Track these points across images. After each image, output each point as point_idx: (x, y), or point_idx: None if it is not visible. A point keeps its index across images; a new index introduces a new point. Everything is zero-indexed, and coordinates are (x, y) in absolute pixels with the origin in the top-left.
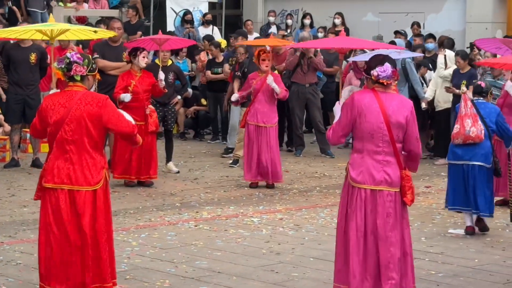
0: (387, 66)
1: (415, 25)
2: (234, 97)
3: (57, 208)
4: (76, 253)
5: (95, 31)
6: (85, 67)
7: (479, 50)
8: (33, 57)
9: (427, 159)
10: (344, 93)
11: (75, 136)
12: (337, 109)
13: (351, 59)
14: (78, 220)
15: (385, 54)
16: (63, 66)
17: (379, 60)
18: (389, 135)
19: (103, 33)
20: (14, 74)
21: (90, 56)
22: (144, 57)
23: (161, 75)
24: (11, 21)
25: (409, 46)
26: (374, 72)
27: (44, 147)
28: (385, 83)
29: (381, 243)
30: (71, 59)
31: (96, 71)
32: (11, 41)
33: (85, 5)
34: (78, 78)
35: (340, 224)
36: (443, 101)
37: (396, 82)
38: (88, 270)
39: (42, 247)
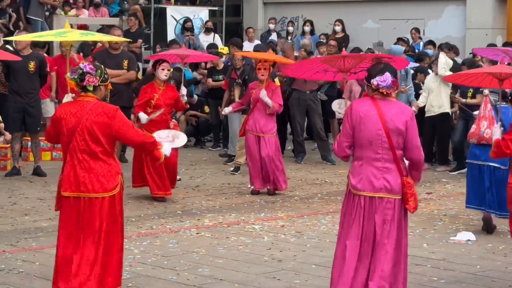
0: (387, 75)
1: (413, 29)
2: (227, 110)
3: (75, 215)
4: (88, 258)
5: (103, 35)
6: (98, 77)
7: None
8: (31, 65)
9: (427, 165)
10: (334, 107)
11: (88, 145)
12: (334, 106)
13: None
14: (94, 227)
15: (386, 63)
16: (76, 76)
17: (379, 69)
18: (388, 142)
19: (116, 38)
20: (13, 83)
21: (102, 66)
22: (163, 69)
23: (183, 90)
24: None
25: (413, 52)
26: (374, 81)
27: (45, 156)
28: (385, 93)
29: (376, 250)
30: (84, 70)
31: (108, 81)
32: (11, 49)
33: (86, 12)
34: (91, 88)
35: (340, 232)
36: (438, 106)
37: (397, 91)
38: (98, 274)
39: (60, 251)
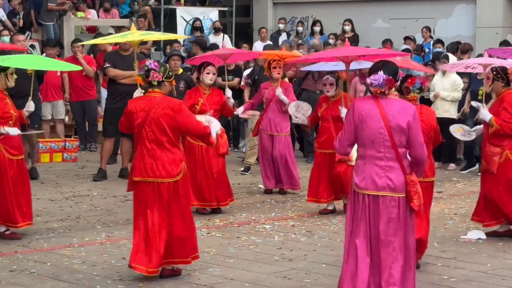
0: (380, 74)
1: (424, 28)
2: (240, 110)
3: (146, 198)
4: (161, 237)
5: (163, 34)
6: (161, 74)
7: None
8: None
9: (438, 164)
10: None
11: (155, 136)
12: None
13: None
14: (162, 208)
15: (387, 61)
16: (142, 73)
17: (375, 68)
18: (390, 140)
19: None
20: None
21: (166, 65)
22: (208, 72)
23: (228, 93)
24: (24, 31)
25: (421, 51)
26: (368, 80)
27: (57, 157)
28: (378, 91)
29: (382, 249)
30: (149, 67)
31: (173, 78)
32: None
33: (94, 13)
34: (155, 83)
35: (347, 231)
36: (442, 110)
37: (393, 89)
38: (171, 249)
39: (136, 232)
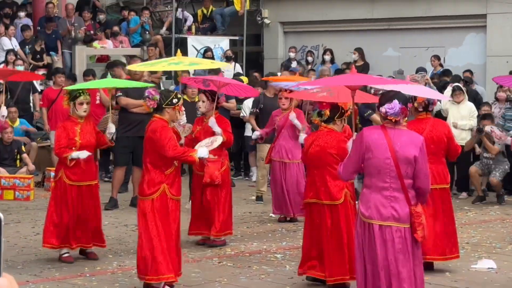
0: (395, 103)
1: (433, 57)
2: (255, 135)
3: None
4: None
5: (212, 62)
6: (155, 101)
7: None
8: None
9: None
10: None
11: (144, 156)
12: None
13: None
14: (141, 222)
15: (397, 91)
16: (144, 100)
17: (389, 97)
18: (396, 170)
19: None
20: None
21: (171, 93)
22: (198, 101)
23: (217, 128)
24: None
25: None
26: (383, 109)
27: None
28: (393, 120)
29: (393, 279)
30: (145, 94)
31: (176, 105)
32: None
33: (110, 43)
34: (152, 110)
35: (356, 259)
36: (460, 139)
37: (406, 118)
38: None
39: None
